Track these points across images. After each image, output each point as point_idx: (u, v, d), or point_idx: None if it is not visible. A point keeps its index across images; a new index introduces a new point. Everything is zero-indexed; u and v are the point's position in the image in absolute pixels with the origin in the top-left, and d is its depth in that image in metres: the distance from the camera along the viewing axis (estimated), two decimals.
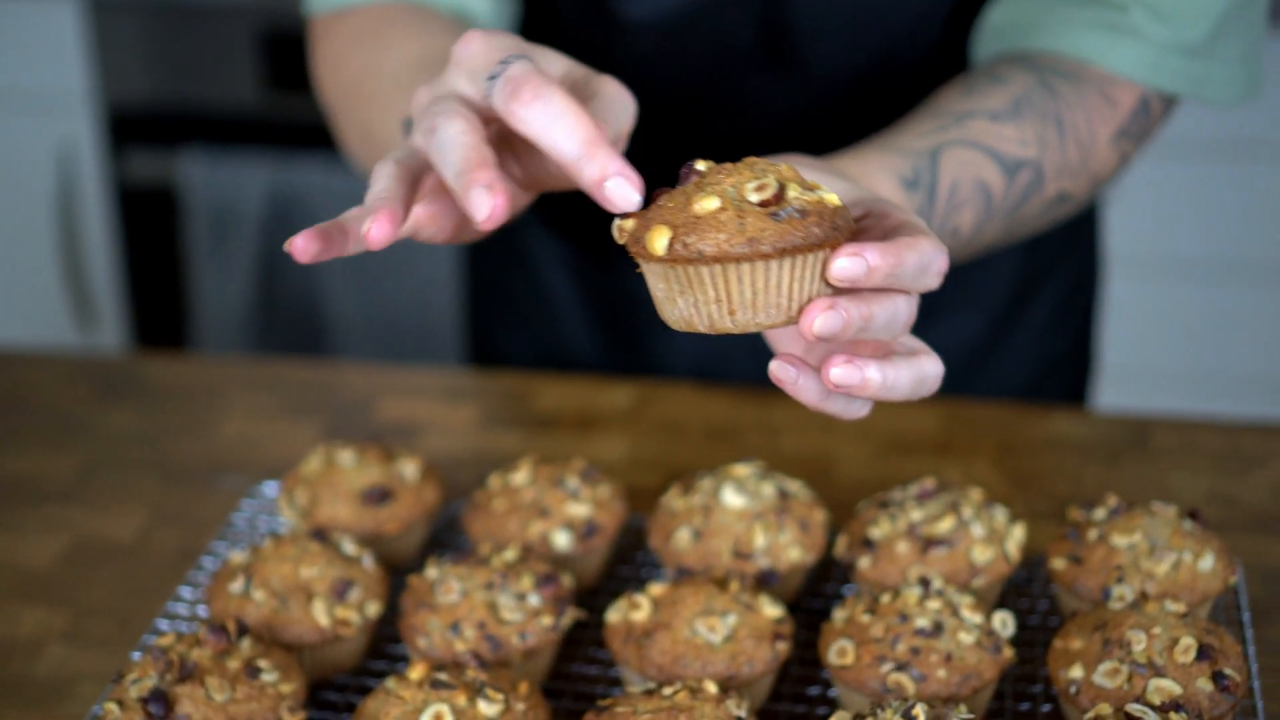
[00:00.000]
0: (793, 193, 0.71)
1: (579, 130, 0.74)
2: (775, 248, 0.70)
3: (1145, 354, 2.34)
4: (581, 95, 0.81)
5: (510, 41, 0.80)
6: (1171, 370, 2.36)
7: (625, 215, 0.74)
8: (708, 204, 0.71)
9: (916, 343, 0.76)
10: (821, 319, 0.70)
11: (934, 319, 1.26)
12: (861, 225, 0.77)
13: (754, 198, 0.71)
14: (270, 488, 1.10)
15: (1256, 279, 2.28)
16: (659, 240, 0.71)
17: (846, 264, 0.70)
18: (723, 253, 0.70)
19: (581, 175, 0.74)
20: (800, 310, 0.72)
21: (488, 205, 0.73)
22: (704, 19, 1.12)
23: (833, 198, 0.72)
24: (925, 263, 0.72)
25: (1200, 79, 1.03)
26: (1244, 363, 2.33)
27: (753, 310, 0.71)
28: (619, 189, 0.73)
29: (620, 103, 0.82)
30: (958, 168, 0.94)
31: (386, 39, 1.06)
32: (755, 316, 0.72)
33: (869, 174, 0.89)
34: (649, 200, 0.74)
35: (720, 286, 0.71)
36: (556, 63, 0.81)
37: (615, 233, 0.74)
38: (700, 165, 0.74)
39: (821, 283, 0.72)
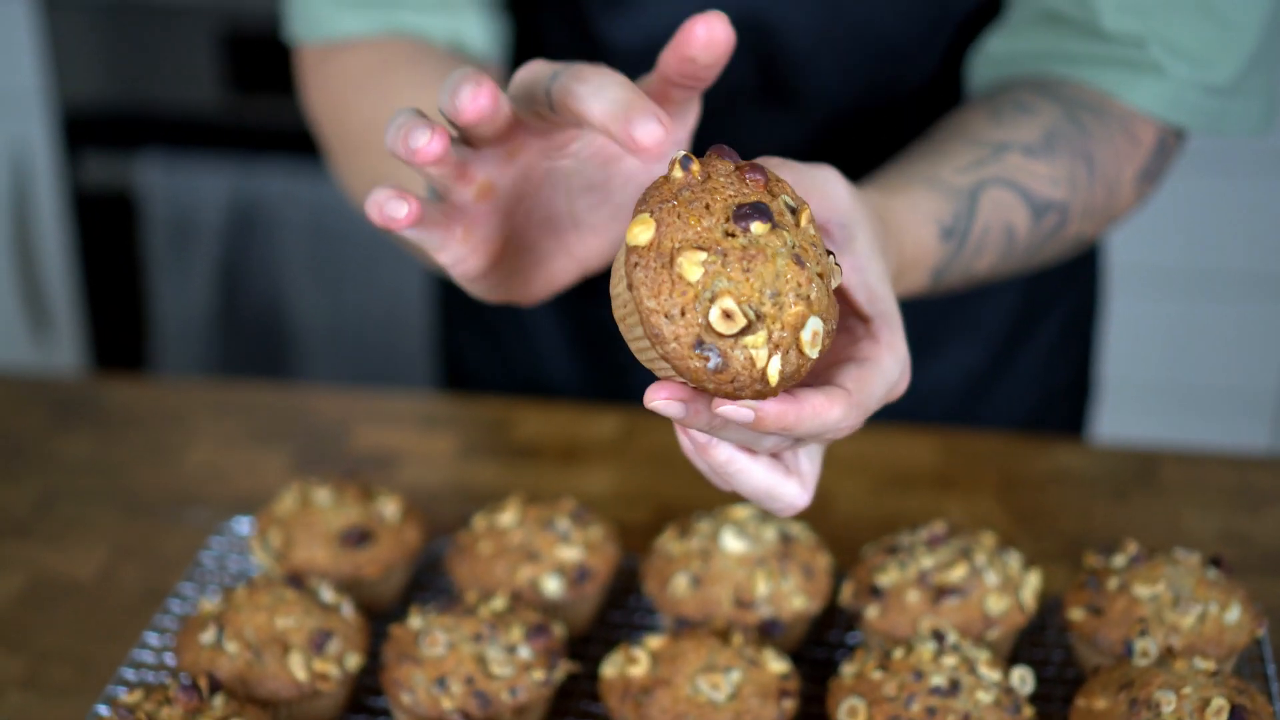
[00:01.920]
0: (752, 340, 0.62)
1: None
2: (664, 356, 0.62)
3: (1146, 370, 2.30)
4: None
5: None
6: (1173, 386, 2.32)
7: (688, 171, 0.65)
8: (689, 271, 0.62)
9: (807, 467, 0.72)
10: (663, 403, 0.64)
11: (935, 350, 1.22)
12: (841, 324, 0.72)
13: (714, 315, 0.61)
14: (240, 524, 1.04)
15: (1261, 292, 2.25)
16: (640, 232, 0.63)
17: (731, 410, 0.64)
18: (640, 304, 0.62)
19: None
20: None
21: (657, 131, 0.63)
22: None
23: (775, 375, 0.62)
24: (826, 428, 0.66)
25: (1220, 115, 0.99)
26: (1246, 377, 2.30)
27: (636, 350, 0.66)
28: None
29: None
30: (992, 210, 0.89)
31: (389, 88, 1.01)
32: (638, 353, 0.66)
33: (912, 218, 0.84)
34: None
35: (629, 310, 0.65)
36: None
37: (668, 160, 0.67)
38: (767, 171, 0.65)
39: None
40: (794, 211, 0.65)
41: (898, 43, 1.09)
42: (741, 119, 1.12)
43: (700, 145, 1.13)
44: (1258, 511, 1.08)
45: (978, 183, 0.89)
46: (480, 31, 1.08)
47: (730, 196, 0.64)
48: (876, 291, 0.72)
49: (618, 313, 0.66)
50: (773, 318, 0.63)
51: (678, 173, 0.65)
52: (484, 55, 1.08)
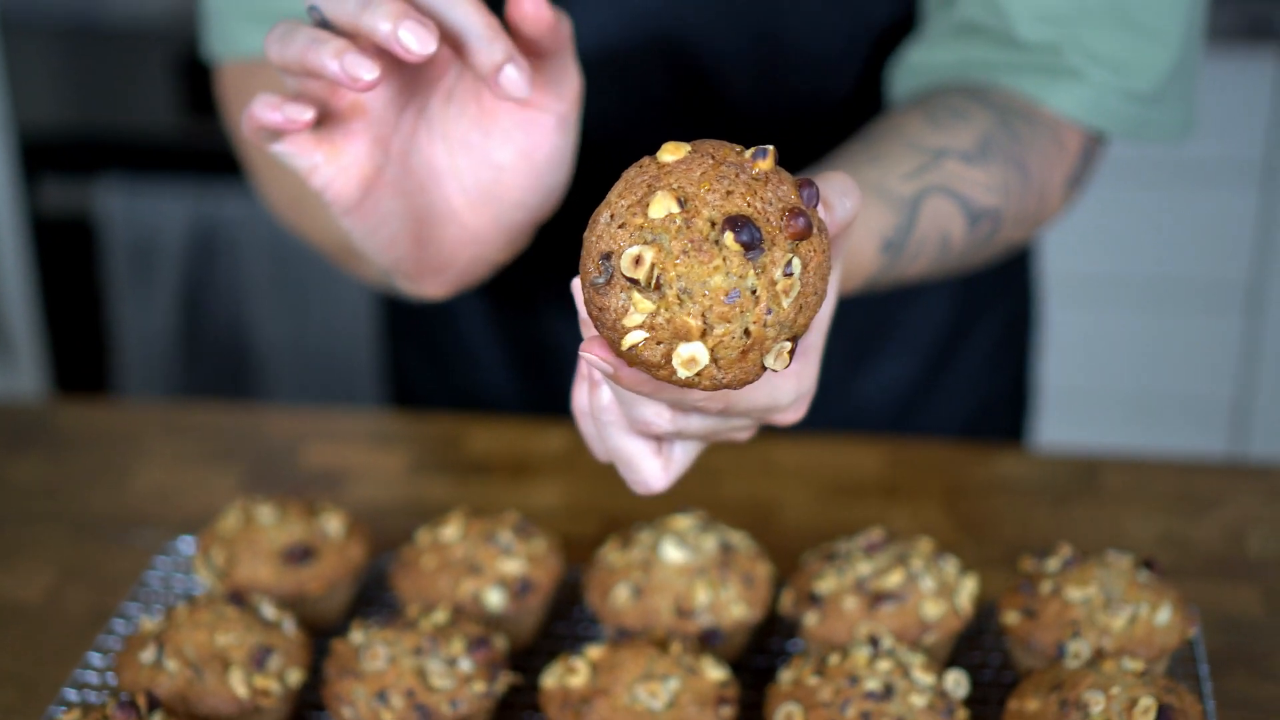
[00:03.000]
0: (638, 300, 0.62)
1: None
2: (585, 242, 0.65)
3: (1086, 380, 2.32)
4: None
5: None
6: (1113, 396, 2.35)
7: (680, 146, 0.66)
8: (659, 205, 0.63)
9: (679, 455, 0.74)
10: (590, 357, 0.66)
11: (868, 362, 1.23)
12: None
13: (627, 267, 0.62)
14: (186, 543, 1.05)
15: (1196, 302, 2.27)
16: (674, 150, 0.65)
17: (594, 358, 0.65)
18: (608, 196, 0.65)
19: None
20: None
21: (523, 81, 0.71)
22: (613, 62, 1.08)
23: (631, 340, 0.63)
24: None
25: (1141, 122, 1.00)
26: (1185, 386, 2.32)
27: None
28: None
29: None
30: (930, 219, 0.90)
31: None
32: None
33: (859, 232, 0.85)
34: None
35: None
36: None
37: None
38: (762, 163, 0.65)
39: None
40: (803, 265, 0.64)
41: (816, 55, 1.10)
42: (660, 131, 1.13)
43: (622, 159, 1.13)
44: (1199, 516, 1.10)
45: (920, 191, 0.90)
46: None
47: (747, 197, 0.64)
48: None
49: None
50: (666, 306, 0.63)
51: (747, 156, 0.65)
52: None
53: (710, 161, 0.65)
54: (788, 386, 0.71)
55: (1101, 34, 0.97)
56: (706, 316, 0.63)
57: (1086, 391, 2.33)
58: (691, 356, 0.63)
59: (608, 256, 0.63)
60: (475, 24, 0.74)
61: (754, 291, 0.63)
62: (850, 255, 0.85)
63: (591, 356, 0.65)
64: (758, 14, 1.07)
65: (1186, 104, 1.02)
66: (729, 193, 0.64)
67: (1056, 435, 2.01)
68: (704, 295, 0.63)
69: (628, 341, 0.64)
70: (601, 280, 0.64)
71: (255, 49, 1.07)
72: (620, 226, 0.64)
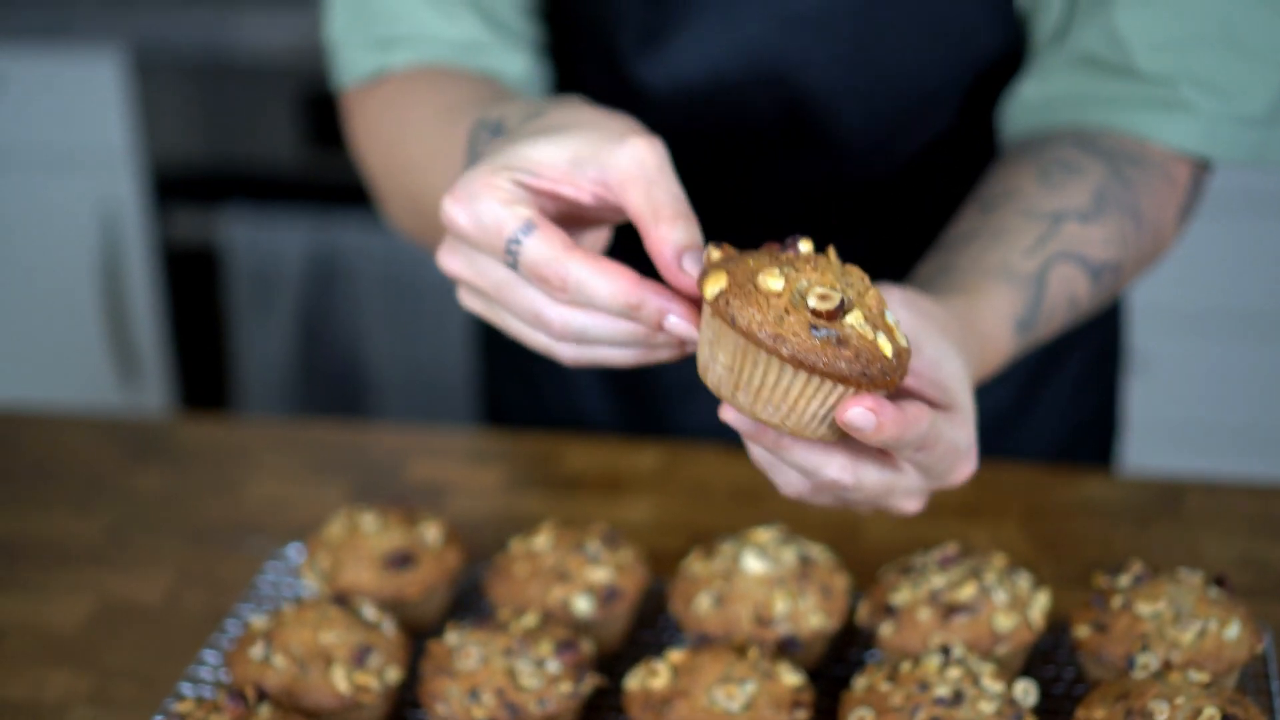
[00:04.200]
0: (853, 319, 0.71)
1: (616, 293, 0.75)
2: (792, 356, 0.70)
3: (1173, 410, 2.32)
4: (584, 211, 0.81)
5: (498, 196, 0.77)
6: (1200, 426, 2.33)
7: (721, 250, 0.74)
8: (771, 283, 0.71)
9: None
10: (857, 412, 0.71)
11: None
12: (909, 388, 0.79)
13: (812, 302, 0.71)
14: (296, 550, 1.10)
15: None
16: (712, 286, 0.71)
17: (858, 413, 0.71)
18: (749, 331, 0.70)
19: (640, 325, 0.77)
20: (798, 424, 0.72)
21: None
22: (723, 91, 1.13)
23: (887, 348, 0.71)
24: (921, 436, 0.75)
25: (1261, 144, 1.02)
26: (1274, 417, 2.31)
27: (754, 398, 0.72)
28: (679, 326, 0.76)
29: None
30: (1058, 288, 0.94)
31: (417, 97, 1.07)
32: (754, 405, 0.72)
33: (993, 320, 0.89)
34: (758, 243, 0.76)
35: (737, 359, 0.71)
36: (558, 179, 0.79)
37: (704, 256, 0.75)
38: (803, 245, 0.74)
39: (829, 413, 0.72)
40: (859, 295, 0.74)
41: (921, 86, 1.13)
42: (765, 161, 1.17)
43: (721, 186, 1.19)
44: (1278, 538, 1.11)
45: (1044, 263, 0.94)
46: (515, 70, 1.13)
47: (776, 259, 0.73)
48: (949, 386, 0.80)
49: (726, 389, 0.73)
50: (858, 301, 0.71)
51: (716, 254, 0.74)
52: (518, 91, 1.14)
53: (725, 264, 0.74)
54: (962, 433, 0.80)
55: (1212, 59, 0.99)
56: (860, 287, 0.74)
57: (1185, 422, 2.32)
58: (895, 319, 0.76)
59: (814, 328, 0.71)
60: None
61: (840, 273, 0.74)
62: (987, 341, 0.89)
63: (854, 413, 0.72)
64: (864, 44, 1.11)
65: None
66: (754, 260, 0.74)
67: (1151, 464, 2.01)
68: (848, 278, 0.74)
69: (887, 347, 0.72)
70: (834, 337, 0.71)
71: (373, 69, 1.12)
72: (786, 313, 0.71)
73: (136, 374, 2.55)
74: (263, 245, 2.43)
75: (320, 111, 2.33)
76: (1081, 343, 1.29)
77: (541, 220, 0.76)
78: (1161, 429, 2.28)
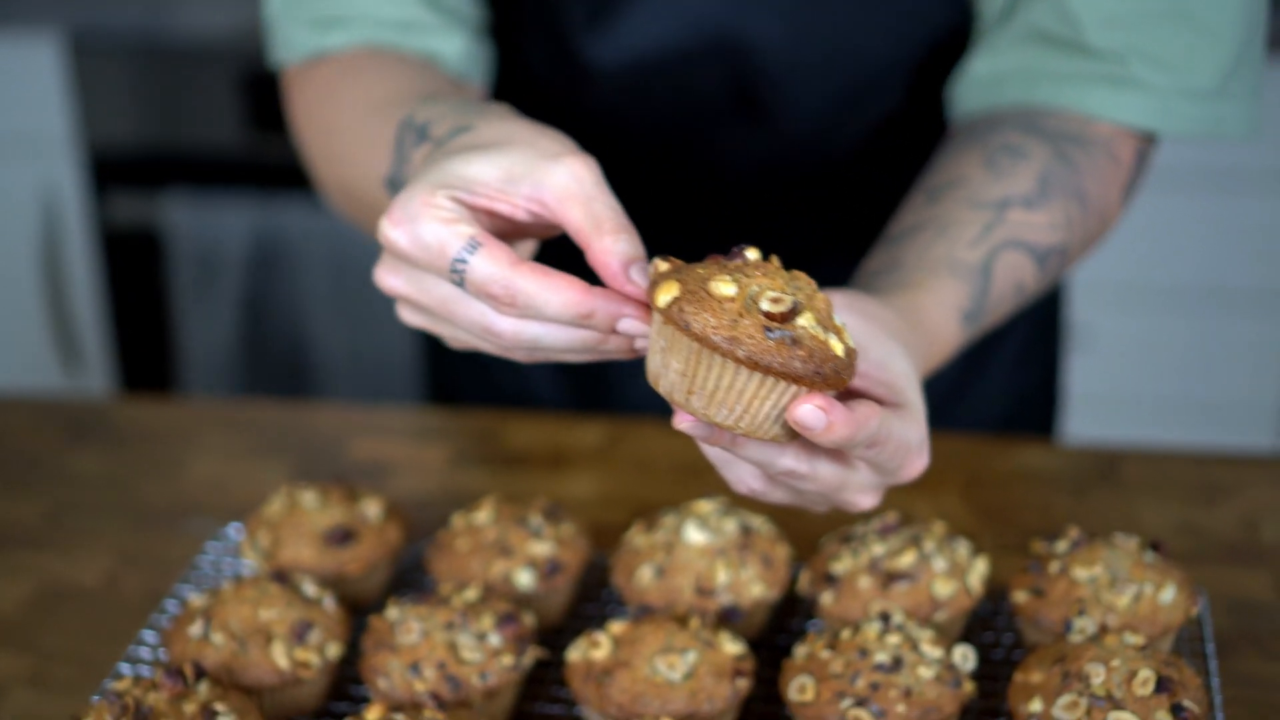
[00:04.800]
0: (804, 321, 0.72)
1: (566, 304, 0.75)
2: (748, 358, 0.71)
3: (1115, 383, 2.34)
4: (519, 224, 0.80)
5: (439, 215, 0.77)
6: (1142, 399, 2.36)
7: (668, 261, 0.75)
8: (723, 288, 0.72)
9: None
10: (808, 410, 0.72)
11: None
12: (858, 388, 0.80)
13: (765, 305, 0.72)
14: (236, 530, 1.10)
15: (1227, 306, 2.28)
16: (664, 295, 0.72)
17: (809, 411, 0.72)
18: (704, 336, 0.71)
19: (593, 332, 0.77)
20: (751, 425, 0.73)
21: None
22: (672, 68, 1.12)
23: (839, 348, 0.73)
24: (871, 435, 0.76)
25: (1215, 119, 1.02)
26: (1214, 390, 2.33)
27: (708, 401, 0.73)
28: (633, 327, 0.76)
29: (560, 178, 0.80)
30: (1004, 275, 0.95)
31: (350, 86, 1.06)
32: (708, 408, 0.73)
33: (939, 314, 0.90)
34: (699, 256, 0.77)
35: (690, 364, 0.72)
36: (493, 196, 0.78)
37: (651, 268, 0.76)
38: (750, 253, 0.75)
39: (782, 413, 0.73)
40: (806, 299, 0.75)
41: (872, 63, 1.13)
42: (714, 140, 1.17)
43: (670, 162, 1.19)
44: (1214, 505, 1.12)
45: (990, 253, 0.95)
46: (454, 51, 1.12)
47: (723, 267, 0.75)
48: (897, 385, 0.81)
49: (679, 394, 0.74)
50: (808, 304, 0.73)
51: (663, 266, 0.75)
52: (458, 73, 1.13)
53: (674, 273, 0.75)
54: (914, 429, 0.80)
55: (1162, 33, 0.99)
56: (809, 291, 0.76)
57: (1125, 394, 2.35)
58: (841, 322, 0.77)
59: (769, 329, 0.72)
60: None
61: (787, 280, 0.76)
62: (934, 336, 0.90)
63: (804, 411, 0.72)
64: (813, 20, 1.11)
65: (1253, 101, 1.03)
66: (704, 268, 0.76)
67: (1091, 435, 2.03)
68: (796, 283, 0.75)
69: (838, 347, 0.73)
70: (788, 337, 0.72)
71: (313, 49, 1.11)
72: (740, 317, 0.72)
73: (78, 358, 2.53)
74: (205, 228, 2.41)
75: (261, 94, 2.31)
76: (1023, 318, 1.29)
77: (486, 237, 0.76)
78: (1102, 402, 2.31)
